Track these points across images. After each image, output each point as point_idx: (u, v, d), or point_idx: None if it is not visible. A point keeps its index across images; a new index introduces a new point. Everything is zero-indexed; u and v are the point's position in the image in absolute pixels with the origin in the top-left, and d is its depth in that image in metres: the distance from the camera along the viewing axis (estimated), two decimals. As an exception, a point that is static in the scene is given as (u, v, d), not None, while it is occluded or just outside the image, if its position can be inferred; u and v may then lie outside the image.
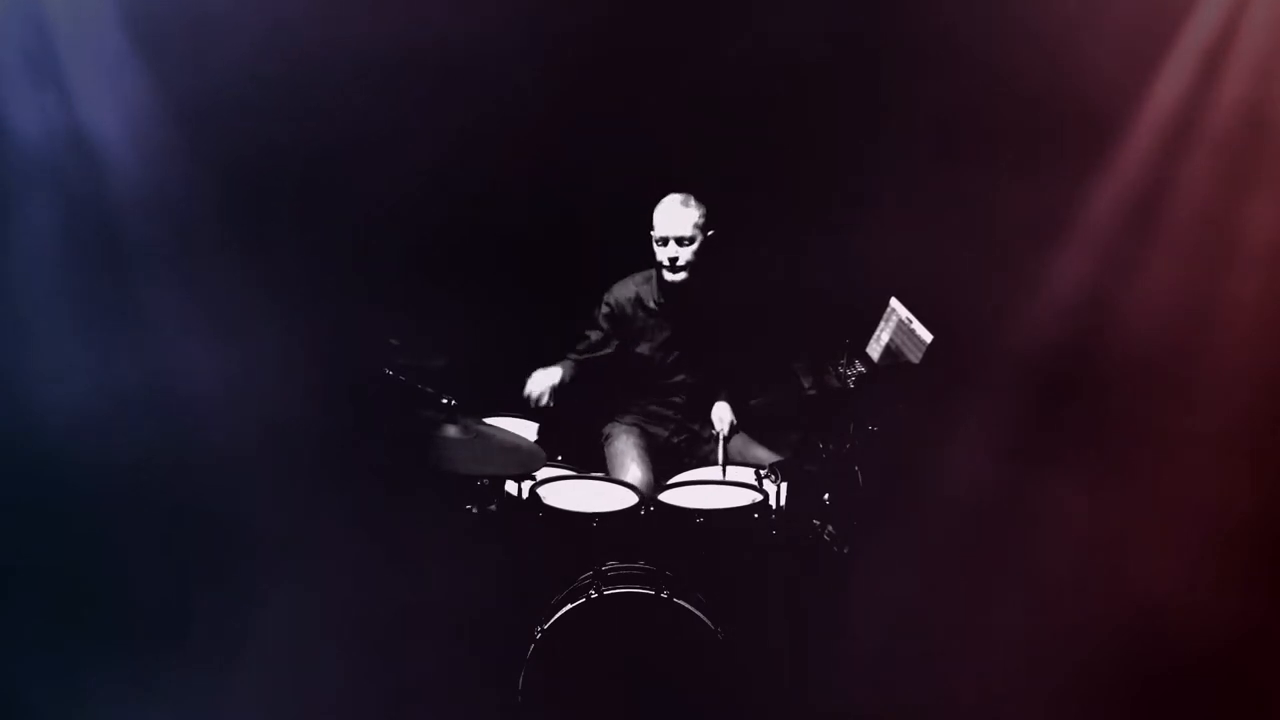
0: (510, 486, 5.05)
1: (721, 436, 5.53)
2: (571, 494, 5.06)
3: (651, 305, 5.59)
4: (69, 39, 5.07)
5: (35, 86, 5.05)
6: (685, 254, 5.42)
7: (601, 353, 5.64)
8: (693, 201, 5.42)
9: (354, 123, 5.49)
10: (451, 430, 4.78)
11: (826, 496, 5.05)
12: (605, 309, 5.63)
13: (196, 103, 5.25)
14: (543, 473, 5.04)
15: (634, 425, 5.71)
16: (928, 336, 4.95)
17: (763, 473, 5.11)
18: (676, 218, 5.40)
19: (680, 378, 5.66)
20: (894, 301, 5.14)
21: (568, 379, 5.55)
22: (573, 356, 5.64)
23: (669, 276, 5.47)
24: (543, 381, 5.49)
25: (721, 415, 5.61)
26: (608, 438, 5.71)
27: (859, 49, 5.73)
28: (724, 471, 5.38)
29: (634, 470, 5.47)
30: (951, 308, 5.13)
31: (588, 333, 5.66)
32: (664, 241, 5.42)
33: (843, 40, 5.70)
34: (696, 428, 5.71)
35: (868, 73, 5.76)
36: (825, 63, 5.73)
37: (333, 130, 5.43)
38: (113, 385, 5.13)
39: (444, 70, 5.57)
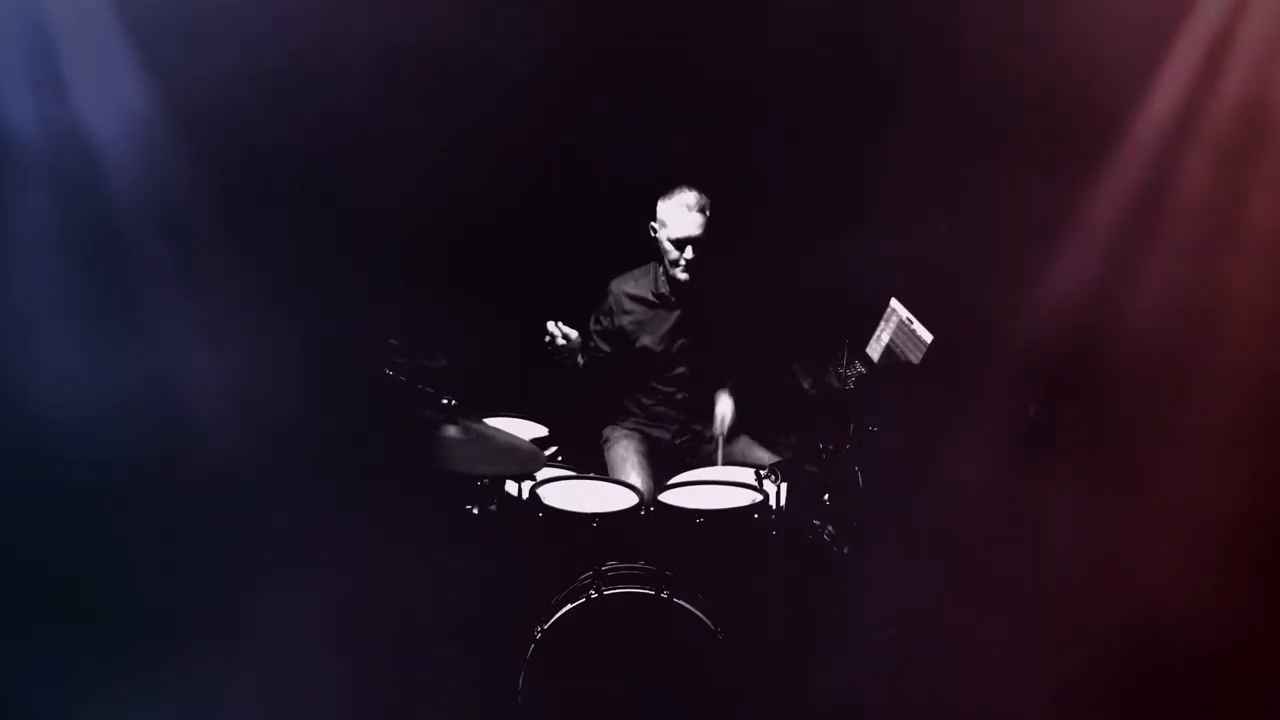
0: (510, 486, 5.05)
1: (720, 433, 5.53)
2: (571, 494, 5.06)
3: (651, 298, 5.61)
4: (69, 39, 5.07)
5: (34, 86, 5.05)
6: (699, 254, 5.43)
7: (605, 344, 5.64)
8: (704, 201, 5.42)
9: (353, 122, 5.49)
10: (451, 430, 4.78)
11: (826, 496, 5.05)
12: (606, 305, 5.64)
13: (196, 103, 5.25)
14: (543, 473, 5.04)
15: (634, 430, 5.71)
16: (928, 336, 4.95)
17: (763, 473, 5.11)
18: (692, 220, 5.40)
19: (681, 370, 5.66)
20: (894, 301, 5.13)
21: (578, 346, 5.45)
22: (593, 330, 5.65)
23: (682, 276, 5.47)
24: (568, 335, 5.38)
25: (724, 410, 5.60)
26: (607, 441, 5.72)
27: (859, 49, 5.73)
28: (718, 459, 5.42)
29: (633, 477, 5.47)
30: (951, 308, 5.13)
31: (599, 317, 5.67)
32: (680, 245, 5.42)
33: (843, 40, 5.70)
34: (699, 428, 5.71)
35: (868, 73, 5.76)
36: (825, 63, 5.73)
37: (332, 129, 5.43)
38: (112, 385, 5.12)
39: (443, 69, 5.57)
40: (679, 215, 5.41)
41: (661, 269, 5.58)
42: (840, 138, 5.86)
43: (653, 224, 5.51)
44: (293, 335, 5.37)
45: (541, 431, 5.52)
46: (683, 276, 5.48)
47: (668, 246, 5.46)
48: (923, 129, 5.64)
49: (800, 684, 4.85)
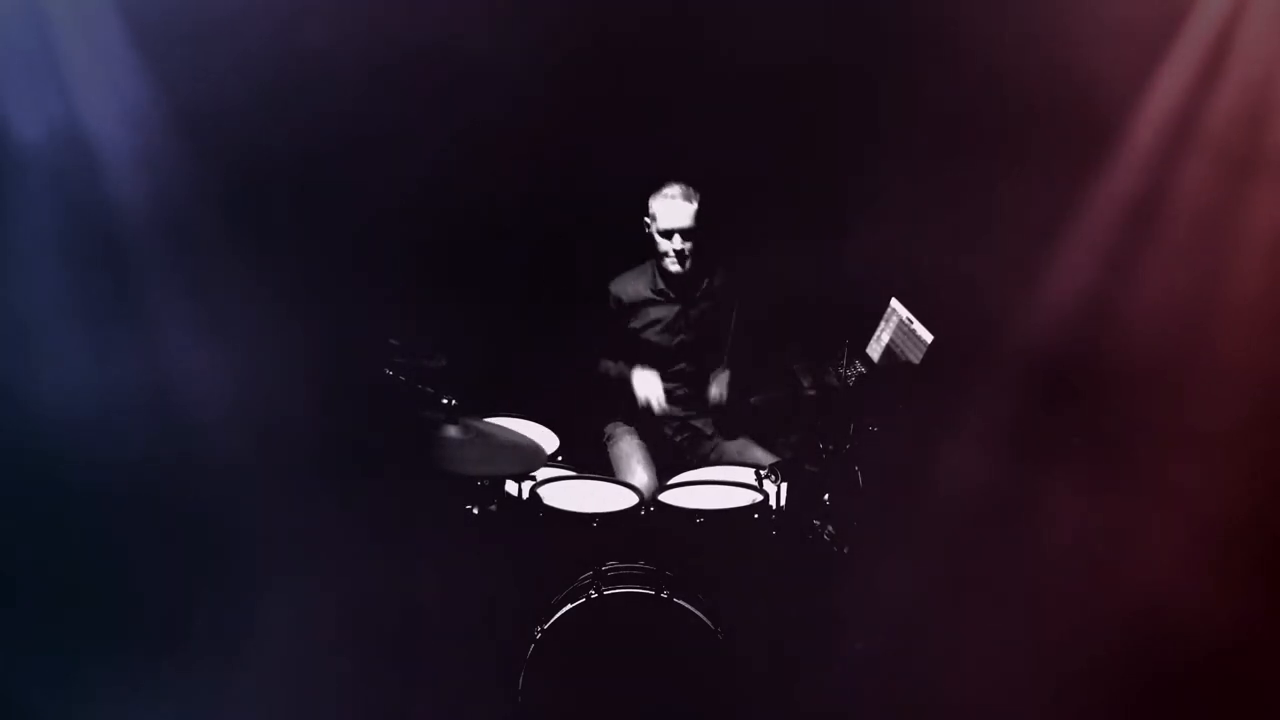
0: (510, 486, 5.05)
1: (718, 400, 5.58)
2: (571, 494, 5.06)
3: (649, 294, 5.64)
4: (69, 39, 5.07)
5: (35, 87, 5.05)
6: (688, 245, 5.46)
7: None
8: (692, 193, 5.46)
9: (354, 123, 5.49)
10: (451, 430, 4.78)
11: (826, 496, 5.05)
12: (610, 303, 5.66)
13: (197, 103, 5.25)
14: (543, 473, 5.04)
15: (636, 425, 5.73)
16: (928, 336, 4.95)
17: (763, 473, 5.11)
18: (681, 211, 5.46)
19: (681, 365, 5.68)
20: (894, 301, 5.13)
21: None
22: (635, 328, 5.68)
23: (673, 268, 5.52)
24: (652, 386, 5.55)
25: (718, 387, 5.63)
26: (610, 438, 5.72)
27: (859, 49, 5.73)
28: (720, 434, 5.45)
29: (640, 474, 5.49)
30: (951, 308, 5.13)
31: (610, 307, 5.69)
32: (669, 235, 5.48)
33: (843, 40, 5.70)
34: (699, 425, 5.72)
35: (868, 73, 5.77)
36: (826, 63, 5.73)
37: (333, 130, 5.43)
38: (112, 385, 5.12)
39: (443, 71, 5.57)
40: (666, 207, 5.47)
41: (657, 265, 5.61)
42: (840, 138, 5.86)
43: (645, 219, 5.55)
44: (293, 335, 5.37)
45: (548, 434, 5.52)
46: (674, 268, 5.52)
47: (659, 239, 5.52)
48: (923, 129, 5.65)
49: (800, 684, 4.85)
